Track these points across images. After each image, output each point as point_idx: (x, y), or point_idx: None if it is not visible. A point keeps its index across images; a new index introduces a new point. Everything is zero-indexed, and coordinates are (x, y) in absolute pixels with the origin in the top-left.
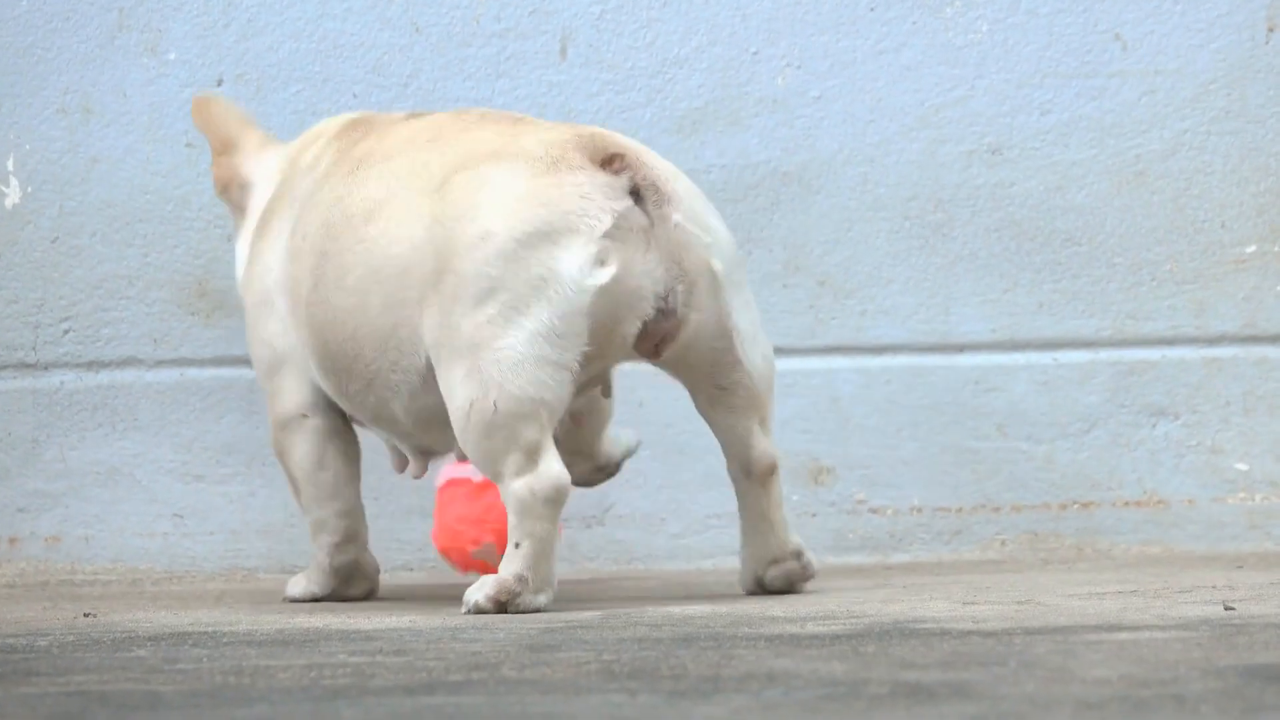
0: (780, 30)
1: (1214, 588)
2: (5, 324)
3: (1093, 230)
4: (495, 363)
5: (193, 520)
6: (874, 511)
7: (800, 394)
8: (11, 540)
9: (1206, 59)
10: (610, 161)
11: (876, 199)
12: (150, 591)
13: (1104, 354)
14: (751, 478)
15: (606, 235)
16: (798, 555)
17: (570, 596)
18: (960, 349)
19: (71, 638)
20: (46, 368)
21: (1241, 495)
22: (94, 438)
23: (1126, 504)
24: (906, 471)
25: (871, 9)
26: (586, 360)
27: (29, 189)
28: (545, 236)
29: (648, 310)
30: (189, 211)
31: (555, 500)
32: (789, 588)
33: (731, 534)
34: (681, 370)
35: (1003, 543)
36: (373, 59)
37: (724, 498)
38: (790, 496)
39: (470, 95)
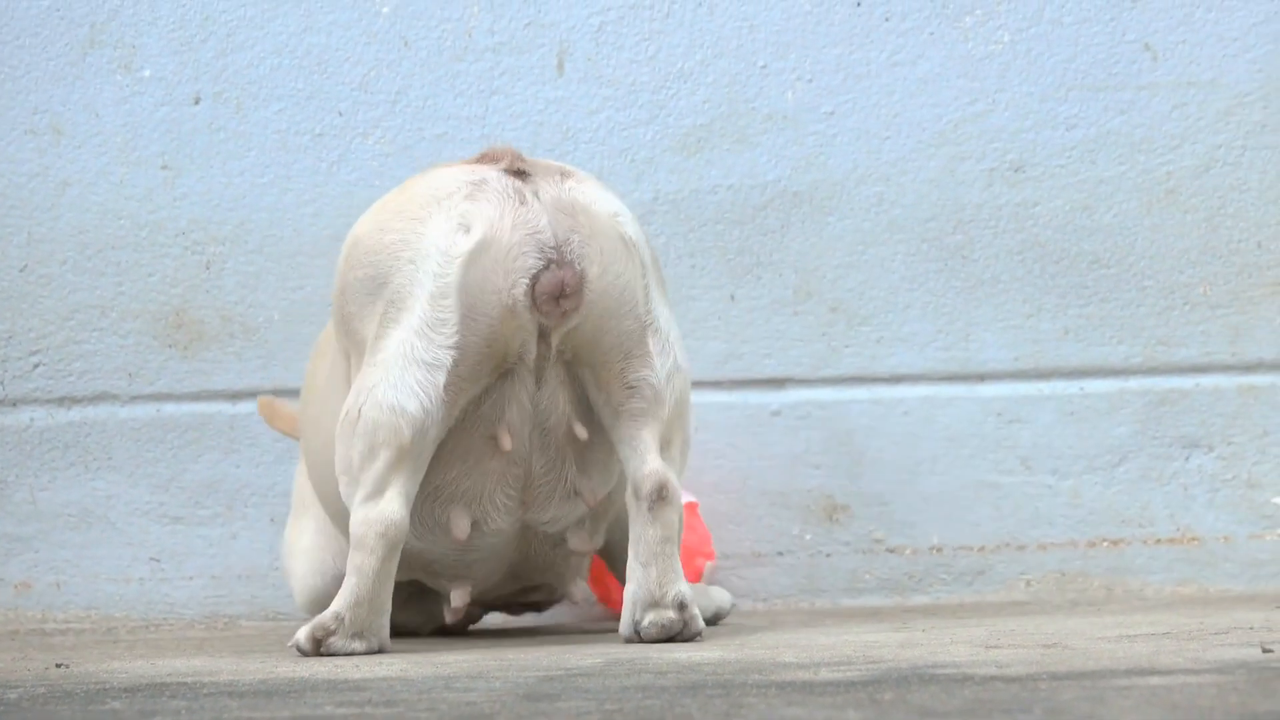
0: (790, 42)
1: (1252, 629)
2: None
3: (1121, 252)
4: (374, 366)
5: (170, 564)
6: (891, 551)
7: (812, 427)
8: None
9: (1241, 69)
10: (492, 156)
11: (892, 220)
12: (126, 640)
13: (1134, 383)
14: (640, 500)
15: (468, 198)
16: (679, 606)
17: (571, 642)
18: (981, 378)
19: (43, 690)
20: (15, 404)
21: None
22: (66, 478)
23: (1158, 541)
24: (925, 508)
25: (886, 19)
26: (465, 358)
27: None
28: (402, 214)
29: (533, 262)
30: (164, 237)
31: (387, 537)
32: (665, 639)
33: (742, 573)
34: (595, 355)
35: (1028, 583)
36: (359, 75)
37: (743, 535)
38: (804, 536)
39: (462, 113)
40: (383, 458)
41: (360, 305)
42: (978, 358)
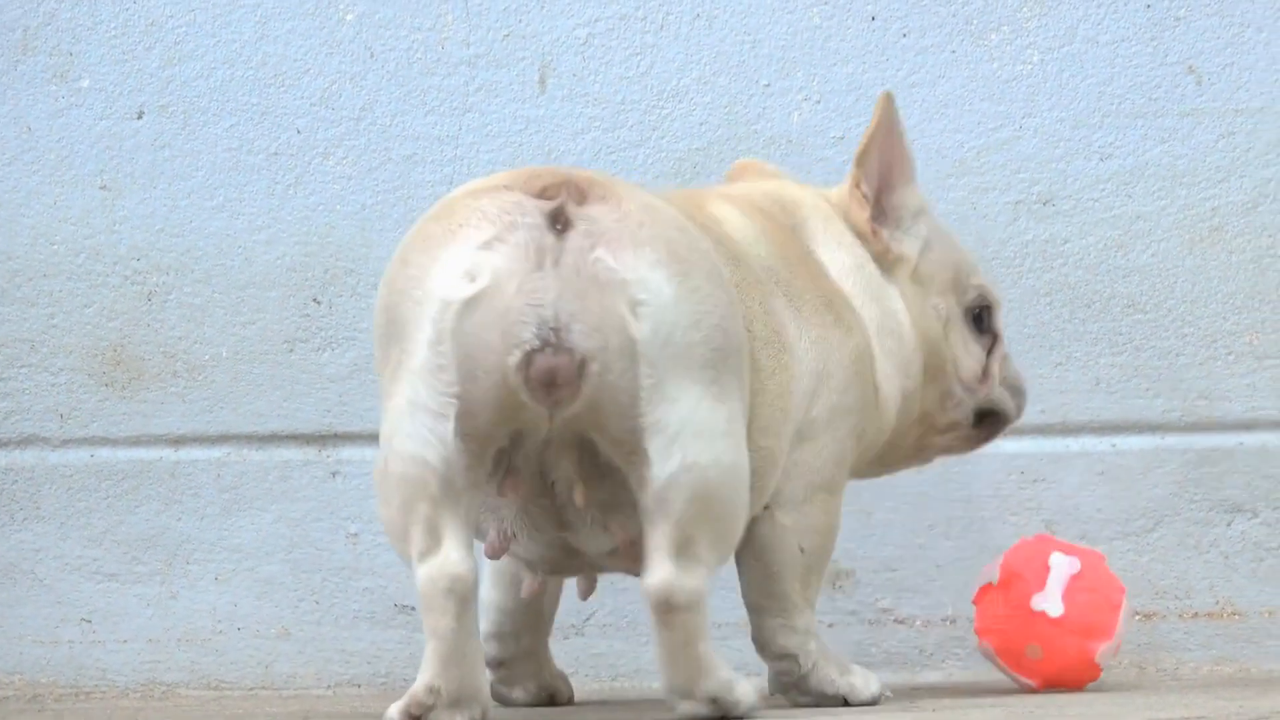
0: (796, 59)
1: None
2: None
3: (1160, 295)
4: (389, 413)
5: (104, 626)
6: (901, 622)
7: None
8: None
9: None
10: (552, 191)
11: None
12: (53, 708)
13: (1171, 440)
14: (650, 609)
15: (484, 247)
16: (711, 701)
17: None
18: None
19: None
20: None
21: None
22: None
23: (1196, 615)
24: (939, 576)
25: (904, 35)
26: (472, 410)
27: None
28: (424, 251)
29: (527, 337)
30: (102, 265)
31: (454, 592)
32: None
33: (735, 644)
34: (602, 446)
35: None
36: (319, 88)
37: (724, 603)
38: None
39: (433, 132)
40: (420, 511)
41: (380, 347)
42: None
